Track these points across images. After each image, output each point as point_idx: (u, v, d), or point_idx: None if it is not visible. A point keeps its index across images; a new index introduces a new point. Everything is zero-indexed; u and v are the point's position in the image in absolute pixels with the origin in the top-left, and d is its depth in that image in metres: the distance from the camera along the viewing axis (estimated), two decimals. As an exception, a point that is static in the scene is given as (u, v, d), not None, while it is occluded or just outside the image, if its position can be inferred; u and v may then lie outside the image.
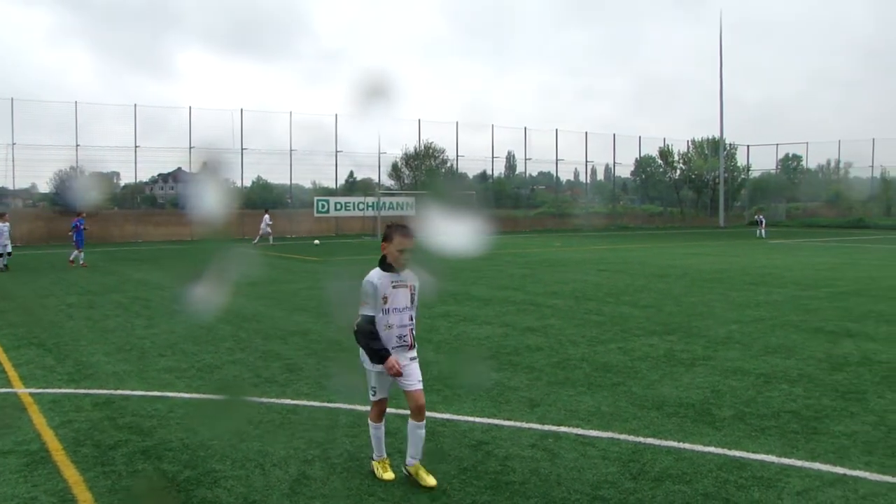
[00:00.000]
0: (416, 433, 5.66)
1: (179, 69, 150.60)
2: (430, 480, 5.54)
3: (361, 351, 5.67)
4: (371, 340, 5.51)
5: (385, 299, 5.52)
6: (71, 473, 5.82)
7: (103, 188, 46.37)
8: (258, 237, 39.52)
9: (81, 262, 25.27)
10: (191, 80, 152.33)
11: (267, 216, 40.00)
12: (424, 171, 58.72)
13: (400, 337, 5.62)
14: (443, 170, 58.72)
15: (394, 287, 5.57)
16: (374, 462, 5.85)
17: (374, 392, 5.79)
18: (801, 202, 72.08)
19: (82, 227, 25.69)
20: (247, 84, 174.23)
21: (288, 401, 7.92)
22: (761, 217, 49.16)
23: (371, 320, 5.51)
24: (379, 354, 5.51)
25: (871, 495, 5.34)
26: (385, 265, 5.58)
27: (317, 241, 39.85)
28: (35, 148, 41.95)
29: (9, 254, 24.01)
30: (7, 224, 24.37)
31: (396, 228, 5.61)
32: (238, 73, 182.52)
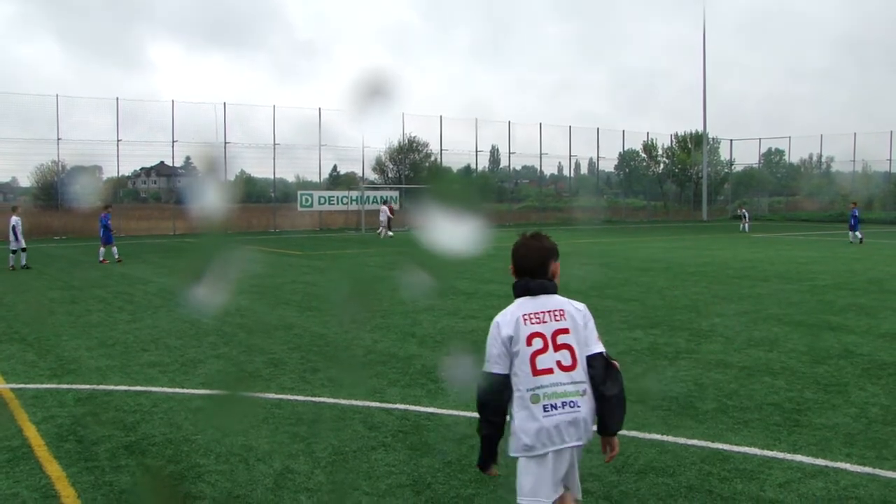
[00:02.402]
0: None
1: (152, 61, 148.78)
2: None
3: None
4: None
5: None
6: (53, 469, 5.78)
7: (98, 184, 46.12)
8: (386, 230, 39.00)
9: (116, 257, 24.14)
10: (164, 73, 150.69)
11: (385, 207, 39.83)
12: (409, 165, 58.66)
13: None
14: (427, 163, 58.71)
15: None
16: None
17: None
18: (783, 196, 72.47)
19: (107, 222, 24.56)
20: (221, 76, 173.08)
21: (272, 395, 7.90)
22: (745, 211, 49.36)
23: None
24: None
25: (852, 486, 5.39)
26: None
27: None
28: (14, 142, 41.55)
29: (13, 252, 22.22)
30: (19, 218, 22.63)
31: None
32: (210, 65, 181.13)
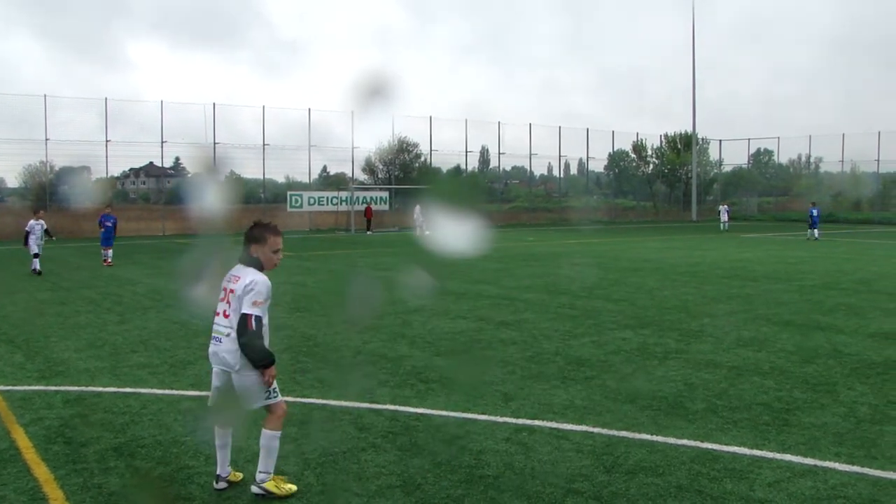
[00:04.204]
0: (274, 444, 5.40)
1: (134, 59, 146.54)
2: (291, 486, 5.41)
3: (241, 356, 5.22)
4: (264, 342, 5.28)
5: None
6: (41, 472, 5.76)
7: (87, 184, 45.89)
8: (423, 229, 39.75)
9: (107, 259, 23.27)
10: (147, 71, 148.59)
11: (418, 207, 40.60)
12: (398, 166, 58.61)
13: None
14: (416, 164, 58.68)
15: None
16: (274, 479, 5.39)
17: (276, 392, 5.40)
18: (772, 196, 72.65)
19: (108, 223, 23.65)
20: (207, 76, 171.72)
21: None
22: (725, 207, 49.45)
23: (261, 322, 5.25)
24: (271, 357, 5.26)
25: (841, 485, 5.42)
26: (258, 265, 5.37)
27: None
28: (1, 142, 41.19)
29: (35, 255, 21.01)
30: (41, 222, 21.61)
31: (269, 228, 5.46)
32: (195, 64, 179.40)
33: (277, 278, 19.86)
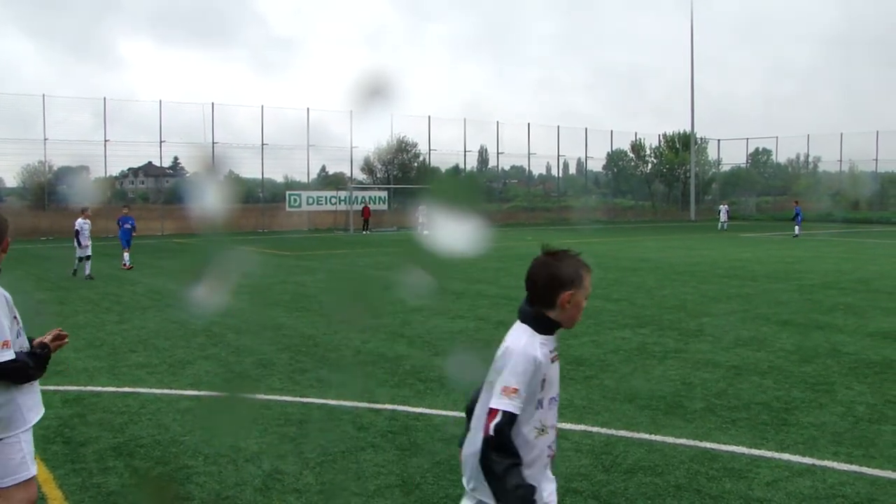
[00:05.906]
0: None
1: (128, 59, 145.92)
2: None
3: (480, 474, 3.06)
4: (516, 465, 2.96)
5: (543, 383, 3.10)
6: (40, 471, 5.73)
7: (86, 184, 45.92)
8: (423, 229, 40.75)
9: (127, 263, 22.25)
10: (141, 70, 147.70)
11: (422, 207, 41.84)
12: (397, 166, 58.65)
13: (550, 447, 3.29)
14: (415, 164, 58.73)
15: (552, 361, 3.18)
16: None
17: None
18: (771, 196, 72.69)
19: (126, 224, 22.62)
20: (200, 74, 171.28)
21: (260, 396, 7.88)
22: (724, 207, 49.83)
23: (512, 423, 2.97)
24: (525, 498, 2.92)
25: (839, 485, 5.42)
26: (546, 324, 3.15)
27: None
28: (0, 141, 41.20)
29: (79, 258, 20.00)
30: (88, 221, 20.50)
31: (583, 263, 3.34)
32: (189, 62, 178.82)
33: (276, 277, 19.84)
